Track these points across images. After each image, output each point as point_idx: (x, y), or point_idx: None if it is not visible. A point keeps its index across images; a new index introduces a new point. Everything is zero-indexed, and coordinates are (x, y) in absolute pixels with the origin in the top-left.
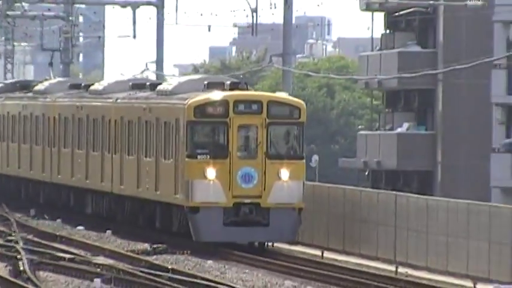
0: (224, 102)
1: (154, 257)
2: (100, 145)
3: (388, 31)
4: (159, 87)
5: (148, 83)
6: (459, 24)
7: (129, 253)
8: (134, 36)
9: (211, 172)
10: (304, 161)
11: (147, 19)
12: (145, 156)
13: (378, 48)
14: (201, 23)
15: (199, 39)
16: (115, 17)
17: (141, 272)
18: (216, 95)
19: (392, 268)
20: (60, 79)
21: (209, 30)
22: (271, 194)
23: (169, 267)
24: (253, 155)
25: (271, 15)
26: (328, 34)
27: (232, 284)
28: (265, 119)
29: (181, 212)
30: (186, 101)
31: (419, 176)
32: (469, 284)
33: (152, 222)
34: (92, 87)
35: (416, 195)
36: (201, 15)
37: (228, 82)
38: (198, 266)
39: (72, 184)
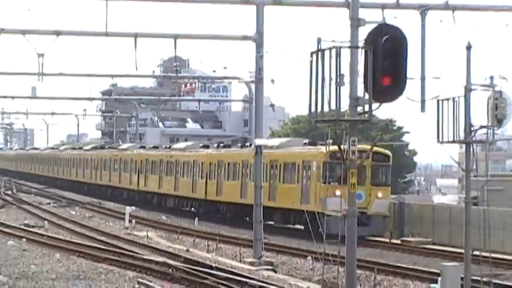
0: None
1: None
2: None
3: None
4: (268, 144)
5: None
6: None
7: None
8: None
9: (338, 192)
10: (390, 187)
11: None
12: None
13: None
14: None
15: None
16: None
17: None
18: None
19: None
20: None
21: None
22: (372, 207)
23: None
24: (363, 183)
25: None
26: None
27: None
28: (371, 162)
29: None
30: (323, 149)
31: None
32: None
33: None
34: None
35: None
36: None
37: (321, 143)
38: None
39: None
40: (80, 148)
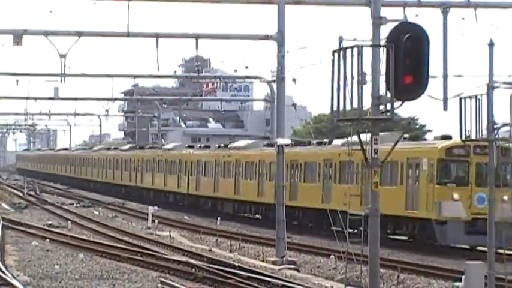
0: (467, 146)
1: None
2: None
3: None
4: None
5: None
6: None
7: None
8: None
9: (456, 196)
10: None
11: None
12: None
13: None
14: None
15: None
16: None
17: None
18: (459, 142)
19: None
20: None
21: None
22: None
23: None
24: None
25: None
26: None
27: None
28: None
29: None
30: (437, 145)
31: None
32: None
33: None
34: (235, 145)
35: None
36: None
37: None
38: None
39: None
40: (116, 148)
